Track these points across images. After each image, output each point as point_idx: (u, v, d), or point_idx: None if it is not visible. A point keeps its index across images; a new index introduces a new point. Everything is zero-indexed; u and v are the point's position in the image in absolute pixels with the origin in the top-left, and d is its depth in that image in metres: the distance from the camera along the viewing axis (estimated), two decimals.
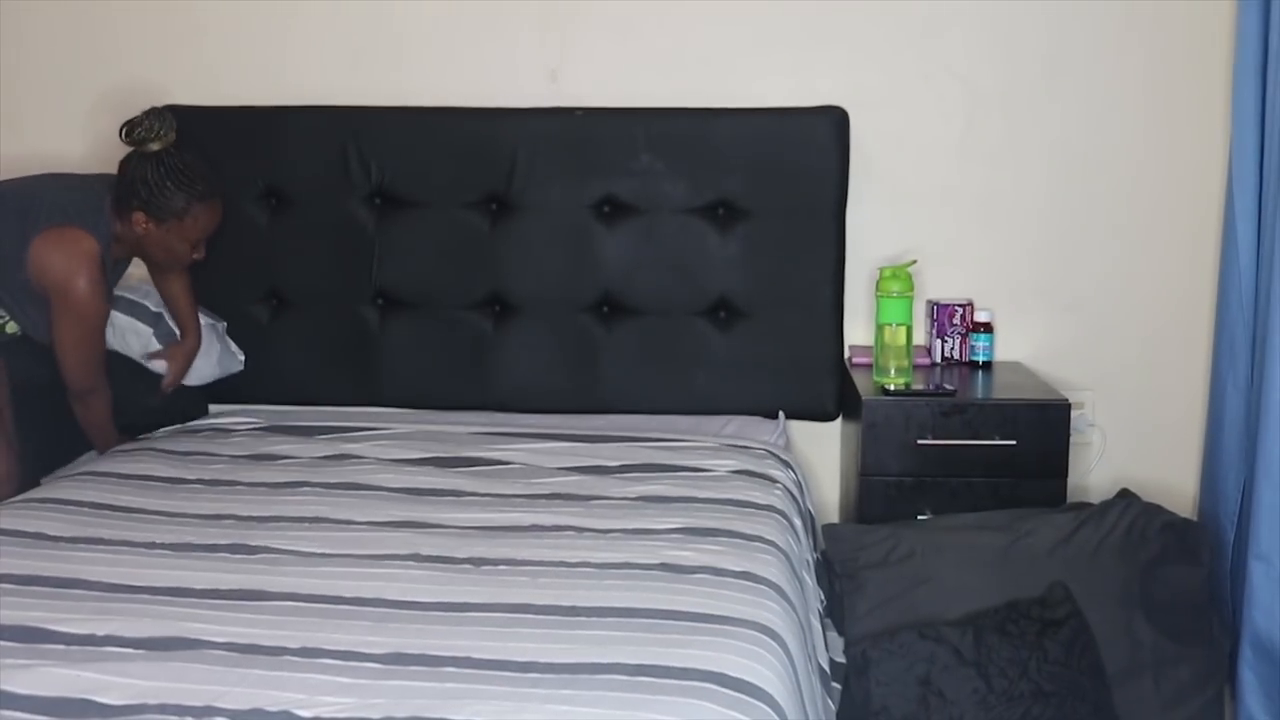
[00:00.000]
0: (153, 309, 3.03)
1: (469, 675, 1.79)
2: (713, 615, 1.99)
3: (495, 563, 2.20)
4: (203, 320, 3.08)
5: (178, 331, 3.05)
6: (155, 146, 2.77)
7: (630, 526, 2.38)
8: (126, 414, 2.95)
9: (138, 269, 3.04)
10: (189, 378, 3.06)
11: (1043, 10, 3.13)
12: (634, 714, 1.67)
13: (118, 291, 3.00)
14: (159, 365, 3.01)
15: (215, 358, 3.11)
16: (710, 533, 2.34)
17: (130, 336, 3.01)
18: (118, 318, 2.98)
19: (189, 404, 3.16)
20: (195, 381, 3.08)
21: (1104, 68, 3.13)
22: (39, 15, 3.31)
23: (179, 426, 3.04)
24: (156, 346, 3.02)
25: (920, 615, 2.62)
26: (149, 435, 2.96)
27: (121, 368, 2.98)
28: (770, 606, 2.08)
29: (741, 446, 2.87)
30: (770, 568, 2.23)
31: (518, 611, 2.00)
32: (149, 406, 3.01)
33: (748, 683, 1.79)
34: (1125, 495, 2.84)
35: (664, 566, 2.18)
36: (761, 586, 2.14)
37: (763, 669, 1.85)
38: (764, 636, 1.95)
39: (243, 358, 3.19)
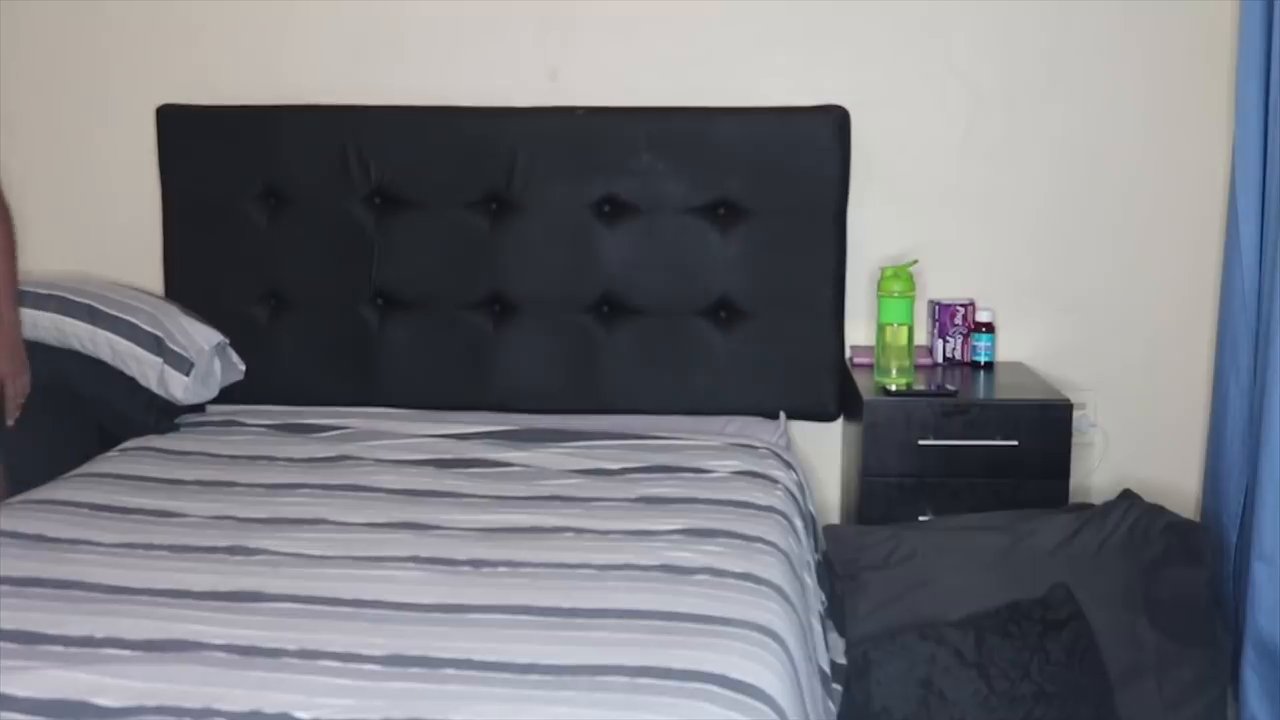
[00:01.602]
0: (147, 329, 2.97)
1: (469, 677, 1.78)
2: (713, 616, 1.98)
3: (495, 564, 2.19)
4: (203, 340, 3.03)
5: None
6: None
7: (630, 528, 2.37)
8: (121, 433, 2.93)
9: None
10: (187, 398, 3.00)
11: (1044, 9, 3.12)
12: (635, 715, 1.67)
13: (108, 310, 2.96)
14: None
15: (217, 377, 3.07)
16: (711, 534, 2.34)
17: (132, 362, 2.95)
18: (116, 342, 2.94)
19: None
20: (195, 400, 3.03)
21: (1106, 67, 3.12)
22: (36, 14, 3.29)
23: (177, 426, 3.03)
24: (176, 378, 2.95)
25: (921, 616, 2.60)
26: (147, 437, 2.94)
27: (120, 384, 2.96)
28: (771, 608, 2.07)
29: (743, 446, 2.87)
30: (771, 569, 2.22)
31: (518, 613, 2.00)
32: (143, 427, 2.98)
33: (748, 684, 1.79)
34: (1128, 496, 2.83)
35: (664, 568, 2.18)
36: (762, 588, 2.13)
37: (763, 670, 1.84)
38: (765, 638, 1.95)
39: (243, 368, 3.16)
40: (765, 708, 1.75)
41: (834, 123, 3.05)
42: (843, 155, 3.06)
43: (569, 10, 3.17)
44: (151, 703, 1.70)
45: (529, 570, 2.16)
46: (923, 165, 3.18)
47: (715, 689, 1.75)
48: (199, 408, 3.11)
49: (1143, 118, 3.13)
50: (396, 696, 1.72)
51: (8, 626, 1.93)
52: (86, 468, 2.72)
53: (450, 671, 1.80)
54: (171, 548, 2.27)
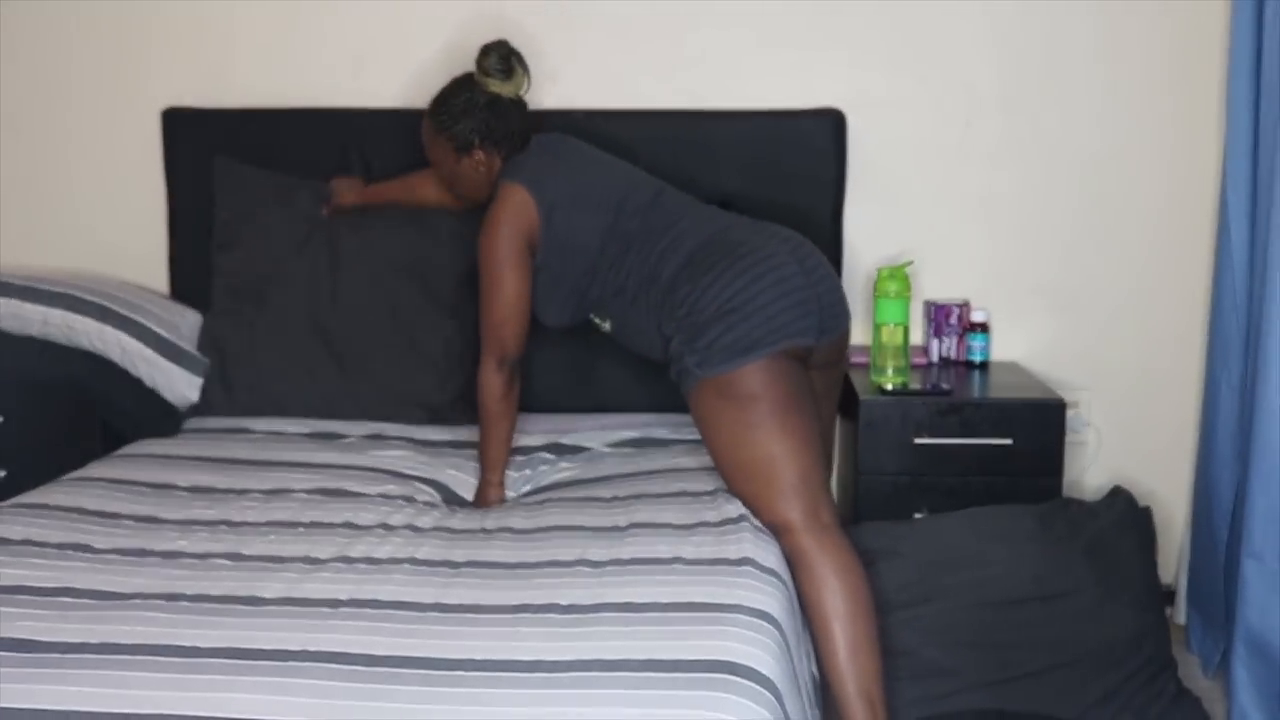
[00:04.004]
0: (156, 329, 2.98)
1: (476, 678, 1.78)
2: (712, 604, 2.00)
3: (492, 564, 2.20)
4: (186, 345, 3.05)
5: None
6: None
7: (626, 522, 2.38)
8: (127, 432, 2.94)
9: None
10: (194, 397, 3.01)
11: (1041, 12, 3.14)
12: (646, 709, 1.69)
13: (118, 309, 2.98)
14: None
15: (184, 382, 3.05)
16: (706, 525, 2.35)
17: (140, 362, 2.96)
18: (126, 341, 2.94)
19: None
20: (180, 401, 3.03)
21: (1100, 70, 3.15)
22: (40, 17, 3.32)
23: (181, 427, 3.03)
24: (185, 377, 2.96)
25: (912, 614, 2.63)
26: (142, 442, 2.91)
27: (126, 384, 2.98)
28: (768, 590, 2.10)
29: None
30: (770, 555, 2.25)
31: (517, 611, 2.00)
32: (150, 426, 2.98)
33: (750, 669, 1.81)
34: (1118, 493, 2.85)
35: (660, 560, 2.19)
36: (761, 573, 2.16)
37: (763, 655, 1.87)
38: (762, 622, 1.98)
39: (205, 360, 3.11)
40: (764, 691, 1.78)
41: (830, 125, 3.08)
42: (839, 157, 3.09)
43: (568, 13, 3.20)
44: (150, 710, 1.68)
45: (524, 569, 2.17)
46: (918, 167, 3.21)
47: (722, 676, 1.77)
48: (204, 407, 3.13)
49: (1136, 120, 3.15)
50: (406, 699, 1.71)
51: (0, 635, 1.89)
52: (78, 473, 2.67)
53: (459, 673, 1.79)
54: (165, 553, 2.24)
